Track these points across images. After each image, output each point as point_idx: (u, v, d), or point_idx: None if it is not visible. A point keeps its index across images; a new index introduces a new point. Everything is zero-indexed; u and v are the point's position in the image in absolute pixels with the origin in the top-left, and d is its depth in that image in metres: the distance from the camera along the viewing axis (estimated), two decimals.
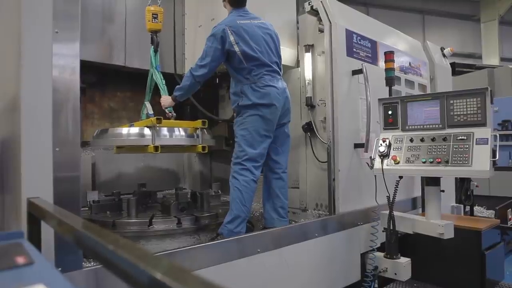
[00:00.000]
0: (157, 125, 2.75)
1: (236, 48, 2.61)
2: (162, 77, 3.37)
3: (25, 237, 1.00)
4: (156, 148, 2.72)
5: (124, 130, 2.88)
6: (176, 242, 2.49)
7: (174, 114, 3.10)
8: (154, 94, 3.46)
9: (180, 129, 2.95)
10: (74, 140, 1.55)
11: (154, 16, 3.32)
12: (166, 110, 3.09)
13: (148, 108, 3.24)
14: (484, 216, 4.71)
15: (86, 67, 2.75)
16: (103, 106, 3.90)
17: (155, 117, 2.79)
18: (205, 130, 3.08)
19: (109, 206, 3.04)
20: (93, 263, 1.65)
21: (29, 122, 1.46)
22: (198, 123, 3.02)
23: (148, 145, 2.74)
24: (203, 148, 3.04)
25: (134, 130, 2.83)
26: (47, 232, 1.40)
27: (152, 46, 3.37)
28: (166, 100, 3.01)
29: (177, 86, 2.86)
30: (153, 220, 2.65)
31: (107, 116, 3.89)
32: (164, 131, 2.83)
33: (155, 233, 2.58)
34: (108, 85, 3.90)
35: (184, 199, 3.09)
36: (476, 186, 4.54)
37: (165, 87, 3.31)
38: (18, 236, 0.97)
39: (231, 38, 2.61)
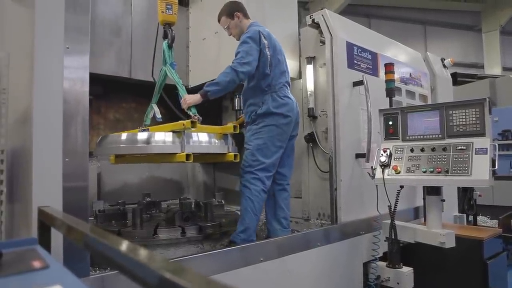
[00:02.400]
0: (191, 129, 2.41)
1: (268, 52, 2.68)
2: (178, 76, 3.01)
3: (37, 243, 1.04)
4: (187, 156, 2.39)
5: (143, 135, 2.54)
6: (180, 251, 2.53)
7: (200, 117, 2.71)
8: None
9: (211, 134, 2.66)
10: (83, 151, 1.61)
11: (168, 6, 2.99)
12: (190, 112, 2.71)
13: (156, 111, 2.96)
14: (487, 226, 4.71)
15: (93, 79, 2.78)
16: (108, 117, 3.97)
17: (189, 120, 2.43)
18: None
19: (114, 215, 3.09)
20: (99, 272, 1.70)
21: (40, 133, 1.51)
22: (229, 128, 2.74)
23: (176, 154, 2.44)
24: (235, 156, 2.75)
25: (159, 135, 2.49)
26: (56, 240, 1.45)
27: (166, 41, 3.01)
28: (192, 98, 2.67)
29: (211, 82, 2.64)
30: (157, 229, 2.69)
31: (112, 127, 3.96)
32: (194, 136, 2.53)
33: (160, 242, 2.61)
34: (113, 97, 3.98)
35: (188, 208, 3.12)
36: (479, 195, 4.55)
37: (183, 86, 2.96)
38: (31, 242, 1.03)
39: (265, 41, 2.68)
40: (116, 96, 3.99)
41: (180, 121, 2.49)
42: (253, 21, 2.87)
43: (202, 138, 2.58)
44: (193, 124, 2.39)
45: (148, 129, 2.80)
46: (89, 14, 1.75)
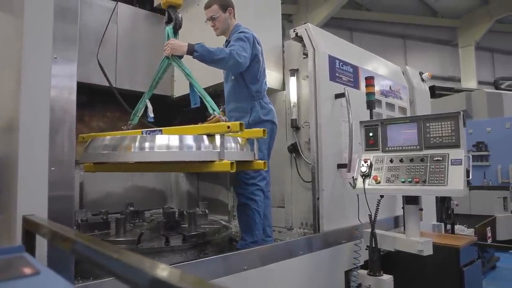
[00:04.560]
0: (232, 131, 2.04)
1: (261, 58, 2.70)
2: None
3: (25, 251, 1.05)
4: (232, 165, 2.00)
5: (174, 139, 2.04)
6: (164, 260, 2.52)
7: (226, 118, 2.37)
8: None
9: (239, 139, 2.30)
10: (69, 160, 1.62)
11: None
12: (215, 113, 2.35)
13: (149, 109, 2.55)
14: (464, 234, 4.85)
15: (77, 88, 2.78)
16: (92, 126, 3.95)
17: (237, 122, 2.05)
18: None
19: (97, 225, 3.05)
20: (82, 281, 1.70)
21: (26, 142, 1.52)
22: (258, 132, 2.41)
23: (214, 162, 2.04)
24: (264, 164, 2.43)
25: (189, 139, 2.05)
26: (41, 250, 1.45)
27: (169, 26, 2.60)
28: (179, 45, 2.46)
29: (205, 48, 2.45)
30: (141, 238, 2.68)
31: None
32: (229, 140, 2.17)
33: (144, 251, 2.60)
34: (97, 106, 3.96)
35: (172, 218, 3.12)
36: (456, 205, 4.71)
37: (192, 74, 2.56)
38: (19, 250, 1.04)
39: (258, 47, 2.69)
40: (100, 105, 3.98)
41: (222, 123, 2.14)
42: (237, 22, 2.87)
43: (234, 144, 2.23)
44: (241, 127, 2.03)
45: (160, 130, 2.32)
46: (77, 22, 1.77)
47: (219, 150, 2.05)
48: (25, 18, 1.58)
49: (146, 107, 2.64)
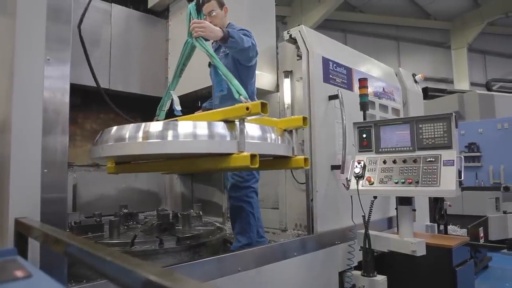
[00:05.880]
0: (251, 114, 1.63)
1: (257, 59, 2.68)
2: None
3: (17, 254, 1.04)
4: (253, 159, 1.58)
5: (173, 126, 1.67)
6: (158, 262, 2.52)
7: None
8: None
9: (270, 129, 1.87)
10: (62, 162, 1.61)
11: None
12: (242, 98, 2.02)
13: (175, 101, 2.25)
14: (457, 235, 4.89)
15: (71, 89, 2.77)
16: (85, 128, 3.93)
17: (258, 101, 1.63)
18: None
19: (90, 227, 3.03)
20: (75, 284, 1.69)
21: (18, 143, 1.51)
22: (297, 120, 2.01)
23: (232, 154, 1.63)
24: (306, 161, 2.01)
25: (203, 127, 1.65)
26: (33, 253, 1.44)
27: (192, 4, 2.39)
28: (214, 30, 2.26)
29: (238, 34, 2.37)
30: (135, 240, 2.67)
31: (90, 138, 3.92)
32: (253, 130, 1.75)
33: (137, 254, 2.59)
34: (91, 107, 3.95)
35: (166, 220, 3.11)
36: (449, 205, 4.74)
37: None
38: (11, 253, 1.03)
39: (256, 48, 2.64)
40: (94, 107, 3.96)
41: (240, 104, 1.70)
42: (230, 22, 2.84)
43: (263, 133, 1.78)
44: (263, 107, 1.62)
45: (175, 120, 1.94)
46: (70, 23, 1.76)
47: (237, 140, 1.63)
48: (17, 18, 1.57)
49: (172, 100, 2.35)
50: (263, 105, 1.62)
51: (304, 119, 1.98)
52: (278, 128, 1.96)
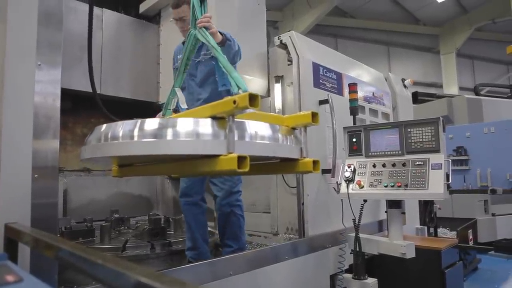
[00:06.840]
0: (239, 108, 1.34)
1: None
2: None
3: (7, 259, 1.05)
4: (240, 161, 1.31)
5: (152, 123, 1.40)
6: (149, 267, 2.51)
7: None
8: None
9: (273, 127, 1.57)
10: (53, 167, 1.61)
11: None
12: (240, 92, 1.70)
13: (180, 98, 2.09)
14: (447, 237, 4.95)
15: (61, 94, 2.76)
16: (76, 132, 3.92)
17: (246, 92, 1.34)
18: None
19: (81, 232, 3.02)
20: None
21: (8, 148, 1.51)
22: (305, 117, 1.72)
23: (219, 156, 1.36)
24: (315, 164, 1.69)
25: (185, 124, 1.39)
26: (23, 258, 1.44)
27: None
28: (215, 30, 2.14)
29: (232, 37, 2.39)
30: (126, 245, 2.66)
31: (80, 142, 3.90)
32: (249, 127, 1.46)
33: (129, 259, 2.59)
34: (82, 112, 3.93)
35: (158, 224, 3.11)
36: (439, 208, 4.81)
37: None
38: (1, 258, 1.03)
39: None
40: (84, 112, 3.95)
41: (227, 97, 1.39)
42: None
43: (259, 131, 1.49)
44: (252, 100, 1.33)
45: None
46: (62, 28, 1.77)
47: (223, 139, 1.36)
48: (8, 23, 1.57)
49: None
50: (252, 98, 1.32)
51: (314, 115, 1.69)
52: (283, 126, 1.69)
